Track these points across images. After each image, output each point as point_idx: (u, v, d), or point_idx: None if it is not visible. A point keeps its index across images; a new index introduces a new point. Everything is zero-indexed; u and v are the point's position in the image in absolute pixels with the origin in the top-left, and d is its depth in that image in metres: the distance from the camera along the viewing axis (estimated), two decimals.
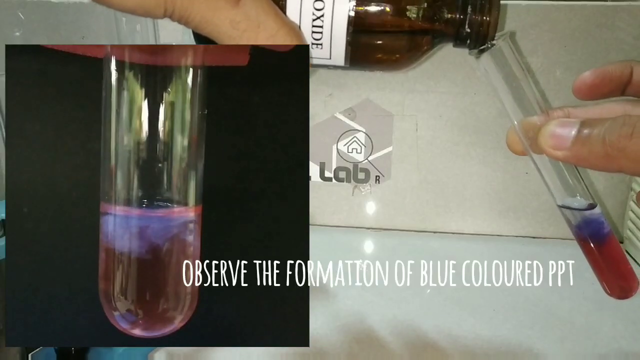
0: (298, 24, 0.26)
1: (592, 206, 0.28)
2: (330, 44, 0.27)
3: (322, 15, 0.26)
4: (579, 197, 0.28)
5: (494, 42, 0.27)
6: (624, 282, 0.28)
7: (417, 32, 0.27)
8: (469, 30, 0.27)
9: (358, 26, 0.26)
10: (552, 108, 0.29)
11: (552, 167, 0.28)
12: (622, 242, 0.64)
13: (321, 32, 0.26)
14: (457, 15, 0.27)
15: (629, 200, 0.64)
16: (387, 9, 0.26)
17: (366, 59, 0.28)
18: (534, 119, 0.27)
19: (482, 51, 0.27)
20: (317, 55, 0.27)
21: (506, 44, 0.27)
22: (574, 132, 0.24)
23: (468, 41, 0.27)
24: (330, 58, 0.27)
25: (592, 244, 0.28)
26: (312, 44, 0.27)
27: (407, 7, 0.26)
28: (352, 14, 0.26)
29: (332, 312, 0.50)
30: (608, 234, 0.28)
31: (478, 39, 0.27)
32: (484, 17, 0.27)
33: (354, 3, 0.26)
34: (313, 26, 0.26)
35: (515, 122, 0.28)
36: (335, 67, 0.28)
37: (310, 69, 0.27)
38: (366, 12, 0.26)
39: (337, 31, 0.26)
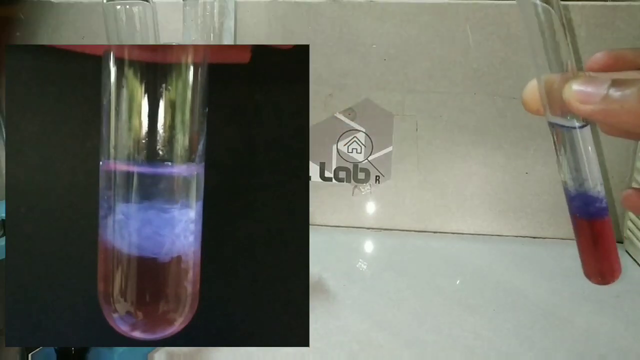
0: None
1: (583, 125, 0.25)
2: None
3: None
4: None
5: None
6: (606, 267, 0.26)
7: None
8: None
9: None
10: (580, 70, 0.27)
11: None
12: (622, 242, 0.64)
13: None
14: None
15: None
16: None
17: None
18: (560, 75, 0.25)
19: None
20: None
21: None
22: (605, 85, 0.22)
23: None
24: None
25: (583, 218, 0.26)
26: None
27: None
28: None
29: (332, 312, 0.50)
30: (603, 210, 0.26)
31: None
32: None
33: None
34: None
35: (541, 77, 0.26)
36: None
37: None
38: None
39: None
